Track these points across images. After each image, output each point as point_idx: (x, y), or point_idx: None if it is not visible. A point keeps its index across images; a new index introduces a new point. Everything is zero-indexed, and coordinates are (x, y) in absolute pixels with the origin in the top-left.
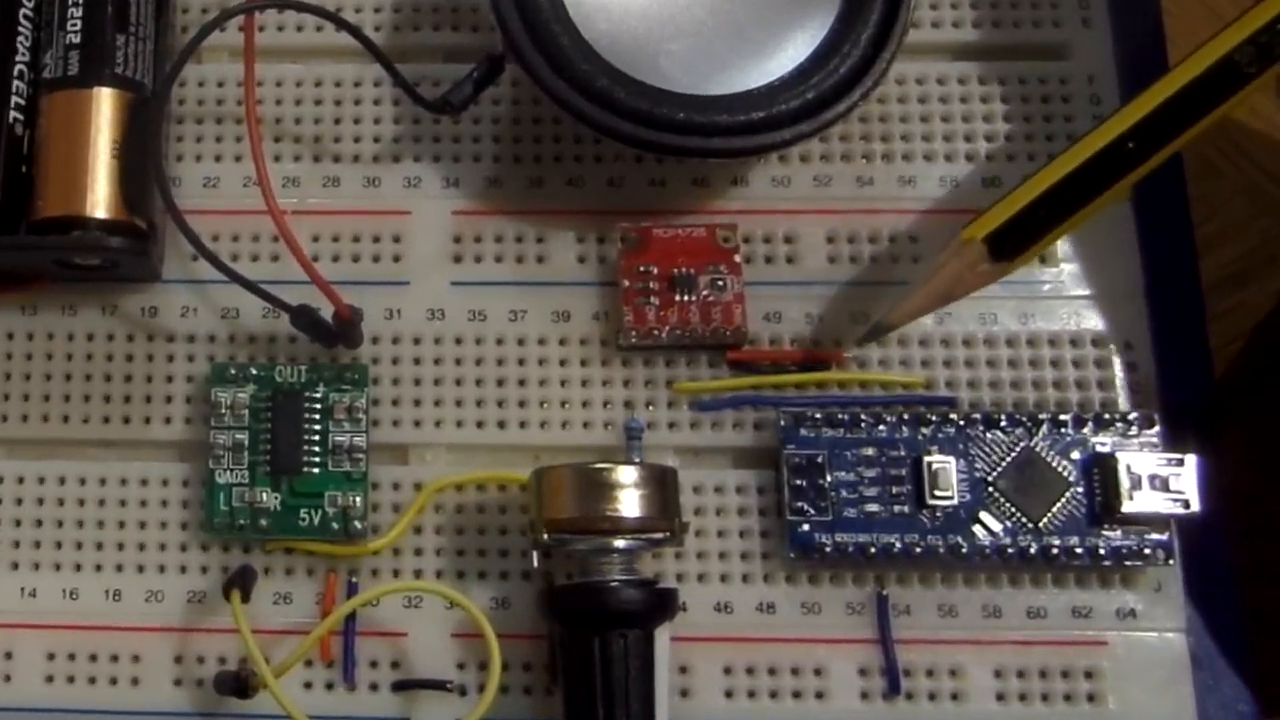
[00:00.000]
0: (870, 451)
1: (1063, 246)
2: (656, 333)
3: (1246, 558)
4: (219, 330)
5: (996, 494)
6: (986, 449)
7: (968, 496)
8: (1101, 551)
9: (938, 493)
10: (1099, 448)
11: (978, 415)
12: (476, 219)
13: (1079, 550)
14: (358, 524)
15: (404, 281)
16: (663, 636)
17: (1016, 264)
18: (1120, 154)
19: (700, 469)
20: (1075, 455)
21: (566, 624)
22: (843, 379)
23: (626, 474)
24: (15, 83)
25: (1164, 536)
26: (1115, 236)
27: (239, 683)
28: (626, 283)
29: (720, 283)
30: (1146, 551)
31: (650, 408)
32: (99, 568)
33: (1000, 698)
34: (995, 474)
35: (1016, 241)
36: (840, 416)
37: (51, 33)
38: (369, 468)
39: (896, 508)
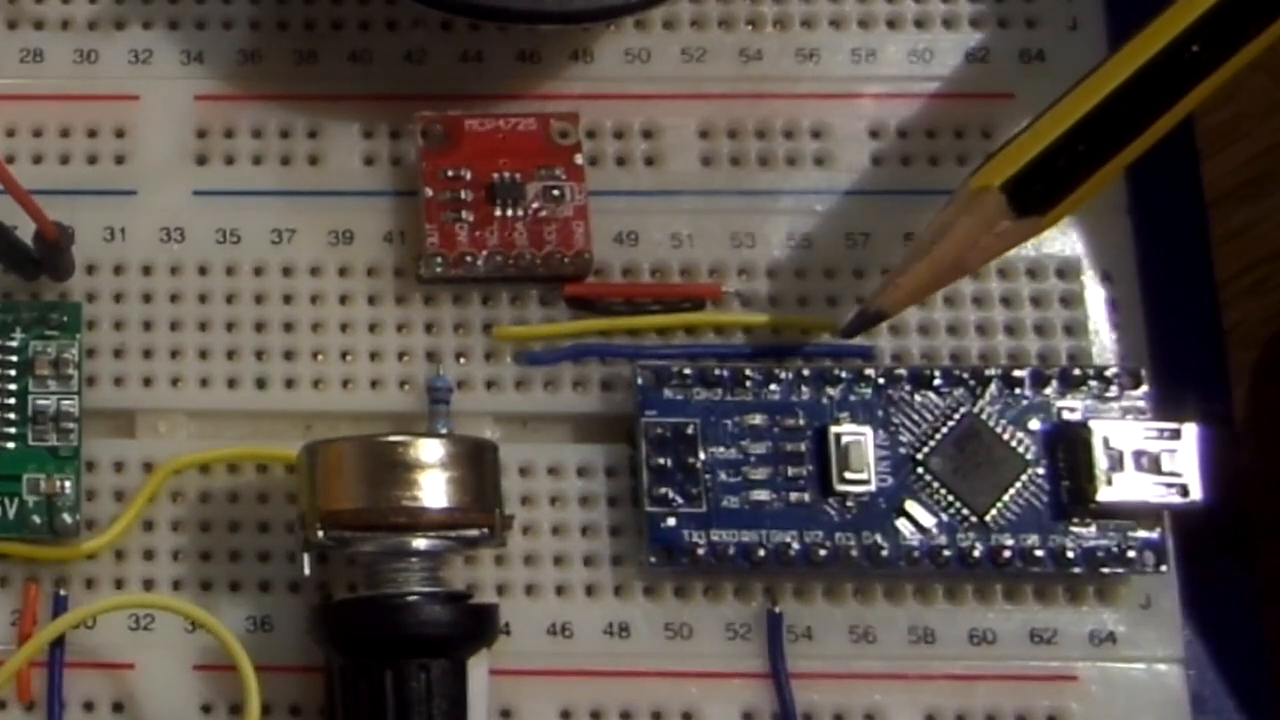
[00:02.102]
0: (758, 420)
1: None
2: (470, 260)
3: (1264, 565)
4: None
5: (928, 477)
6: (915, 416)
7: (889, 480)
8: (1069, 555)
9: (849, 475)
10: (1066, 414)
11: (903, 371)
12: (227, 106)
13: (1039, 553)
14: (67, 517)
15: (130, 190)
16: (478, 669)
17: (1050, 220)
18: (1181, 61)
19: (529, 443)
20: (1034, 425)
21: (349, 652)
22: (721, 322)
23: (429, 450)
24: None
25: (1154, 535)
26: None
27: None
28: (430, 192)
29: (556, 192)
30: (1130, 555)
31: (462, 361)
32: None
33: None
34: (926, 450)
35: (1046, 188)
36: (717, 373)
37: None
38: (82, 442)
39: (794, 495)
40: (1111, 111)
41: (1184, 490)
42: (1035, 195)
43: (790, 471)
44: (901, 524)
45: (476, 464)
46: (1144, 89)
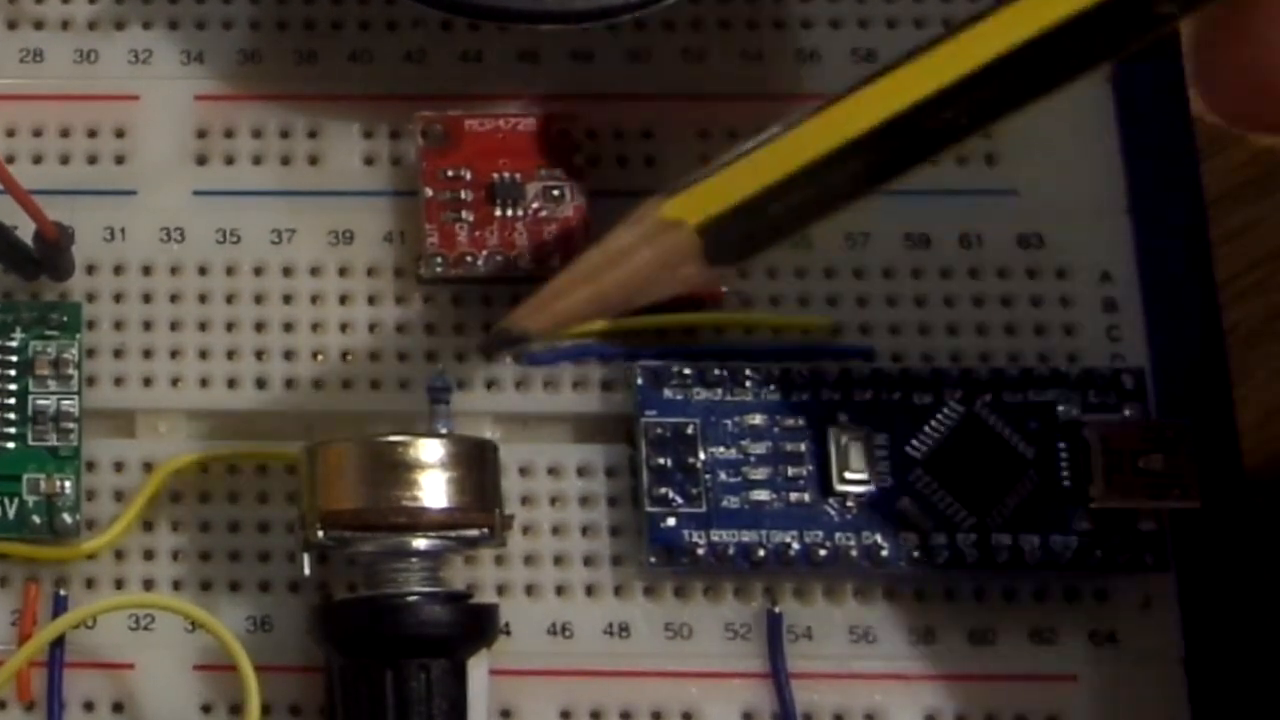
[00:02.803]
0: (758, 420)
1: (1013, 141)
2: (470, 260)
3: (1264, 565)
4: None
5: (928, 477)
6: (915, 416)
7: (889, 481)
8: (1069, 555)
9: (849, 476)
10: (1066, 415)
11: (903, 371)
12: (227, 106)
13: (1039, 553)
14: (67, 517)
15: (130, 190)
16: (478, 669)
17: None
18: (928, 127)
19: (530, 443)
20: (1034, 425)
21: (349, 652)
22: (721, 321)
23: (429, 450)
24: None
25: (1154, 535)
26: (1090, 127)
27: None
28: (430, 192)
29: (556, 192)
30: (1130, 555)
31: (462, 361)
32: None
33: None
34: (926, 450)
35: (747, 240)
36: (717, 373)
37: None
38: (82, 442)
39: (794, 496)
40: (839, 167)
41: (1184, 490)
42: (734, 245)
43: (790, 471)
44: (901, 524)
45: (476, 464)
46: (883, 147)
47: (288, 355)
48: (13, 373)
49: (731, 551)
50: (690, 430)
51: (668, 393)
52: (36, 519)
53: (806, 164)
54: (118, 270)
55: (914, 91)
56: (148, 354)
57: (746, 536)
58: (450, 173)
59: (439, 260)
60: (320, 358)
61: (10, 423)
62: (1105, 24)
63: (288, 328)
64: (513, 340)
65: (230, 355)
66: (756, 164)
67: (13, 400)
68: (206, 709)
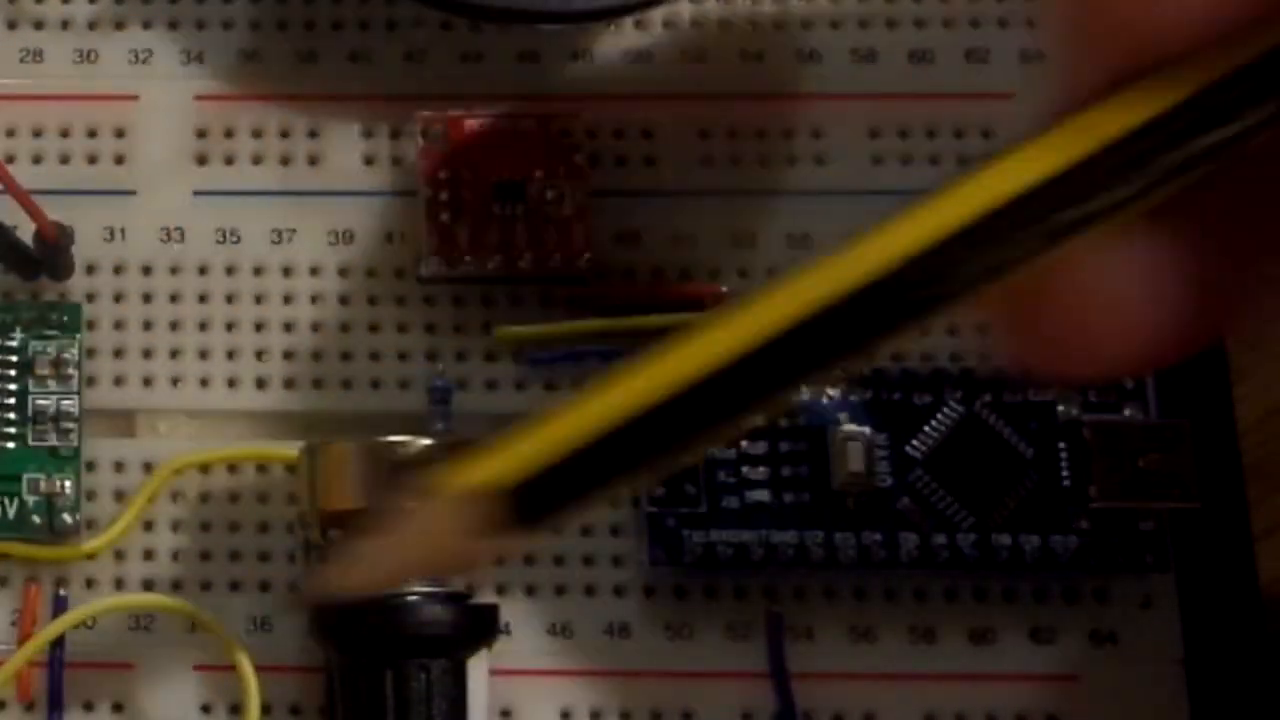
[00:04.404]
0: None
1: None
2: (470, 260)
3: (1264, 565)
4: None
5: (928, 477)
6: (915, 416)
7: (889, 481)
8: (1070, 555)
9: (849, 475)
10: (1065, 414)
11: (902, 371)
12: (227, 106)
13: (1039, 553)
14: (67, 517)
15: (130, 190)
16: (478, 668)
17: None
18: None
19: None
20: (1034, 425)
21: (349, 652)
22: None
23: (430, 451)
24: None
25: (1154, 535)
26: None
27: None
28: (430, 192)
29: (556, 192)
30: (1130, 555)
31: (461, 361)
32: None
33: None
34: (926, 451)
35: (564, 494)
36: None
37: None
38: (82, 442)
39: (793, 495)
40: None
41: (1183, 490)
42: (548, 503)
43: (789, 471)
44: (901, 524)
45: None
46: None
47: (288, 355)
48: (13, 373)
49: (731, 551)
50: None
51: None
52: (36, 519)
53: (626, 424)
54: (118, 270)
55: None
56: (148, 354)
57: (746, 536)
58: (450, 173)
59: (438, 261)
60: (320, 358)
61: (10, 423)
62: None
63: (288, 328)
64: (316, 601)
65: (230, 355)
66: (566, 420)
67: (13, 400)
68: (206, 709)
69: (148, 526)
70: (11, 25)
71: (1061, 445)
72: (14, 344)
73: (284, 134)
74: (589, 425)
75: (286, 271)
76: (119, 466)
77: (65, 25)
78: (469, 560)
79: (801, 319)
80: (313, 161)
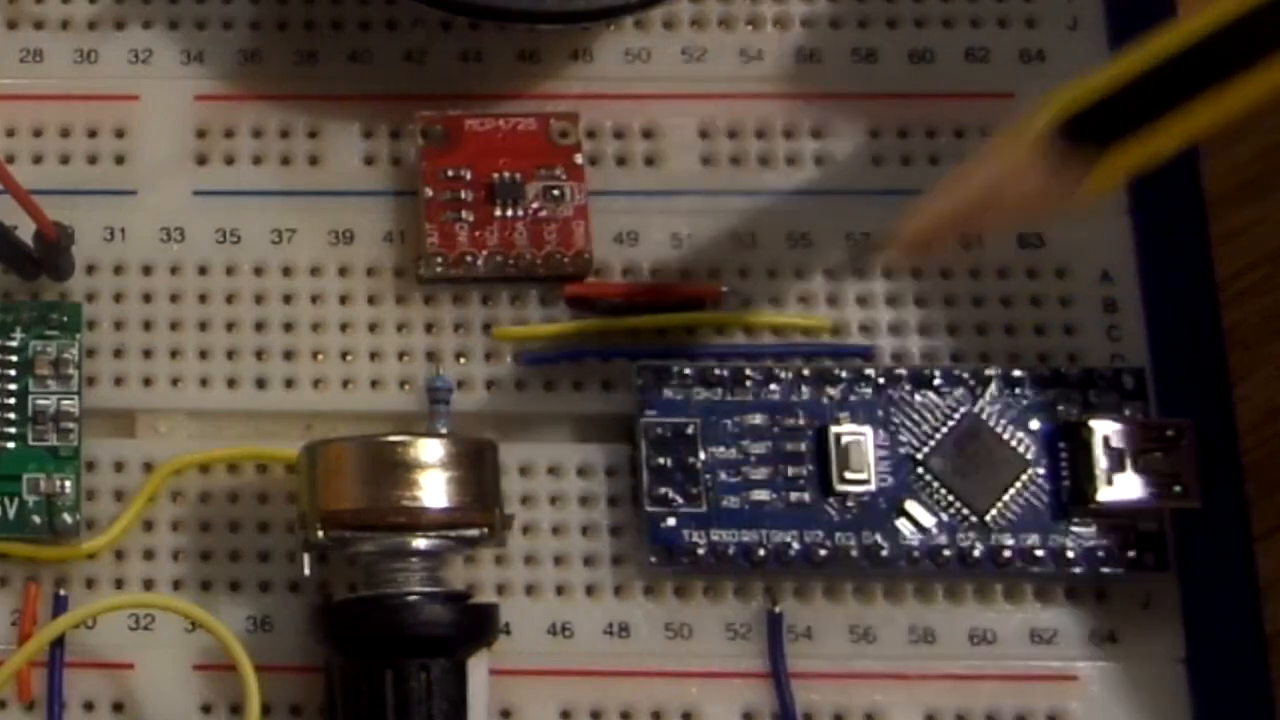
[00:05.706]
0: (758, 420)
1: None
2: (470, 259)
3: (1264, 565)
4: None
5: (929, 477)
6: (915, 416)
7: (890, 480)
8: (1069, 555)
9: (849, 475)
10: (1066, 414)
11: (903, 371)
12: (227, 106)
13: (1039, 553)
14: (68, 517)
15: (130, 190)
16: (479, 668)
17: (1097, 179)
18: None
19: (530, 443)
20: (1034, 425)
21: (349, 652)
22: (721, 321)
23: (429, 450)
24: None
25: (1154, 535)
26: None
27: None
28: (430, 192)
29: (556, 192)
30: (1130, 555)
31: (462, 361)
32: None
33: None
34: (927, 450)
35: (1106, 124)
36: (718, 373)
37: None
38: (82, 442)
39: (794, 495)
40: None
41: (1184, 490)
42: (1092, 129)
43: (790, 471)
44: (901, 524)
45: (476, 464)
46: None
47: (288, 355)
48: (13, 373)
49: (731, 551)
50: (690, 430)
51: (668, 392)
52: (36, 519)
53: (1191, 47)
54: (118, 270)
55: None
56: (148, 354)
57: (746, 536)
58: (450, 173)
59: (439, 260)
60: (320, 358)
61: (10, 423)
62: None
63: (288, 328)
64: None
65: (230, 355)
66: (1127, 62)
67: (13, 400)
68: (206, 709)
69: (148, 526)
70: (11, 25)
71: (1061, 445)
72: (14, 344)
73: (284, 134)
74: (1133, 67)
75: (286, 271)
76: (119, 466)
77: (65, 25)
78: (1037, 198)
79: None
80: (313, 161)
